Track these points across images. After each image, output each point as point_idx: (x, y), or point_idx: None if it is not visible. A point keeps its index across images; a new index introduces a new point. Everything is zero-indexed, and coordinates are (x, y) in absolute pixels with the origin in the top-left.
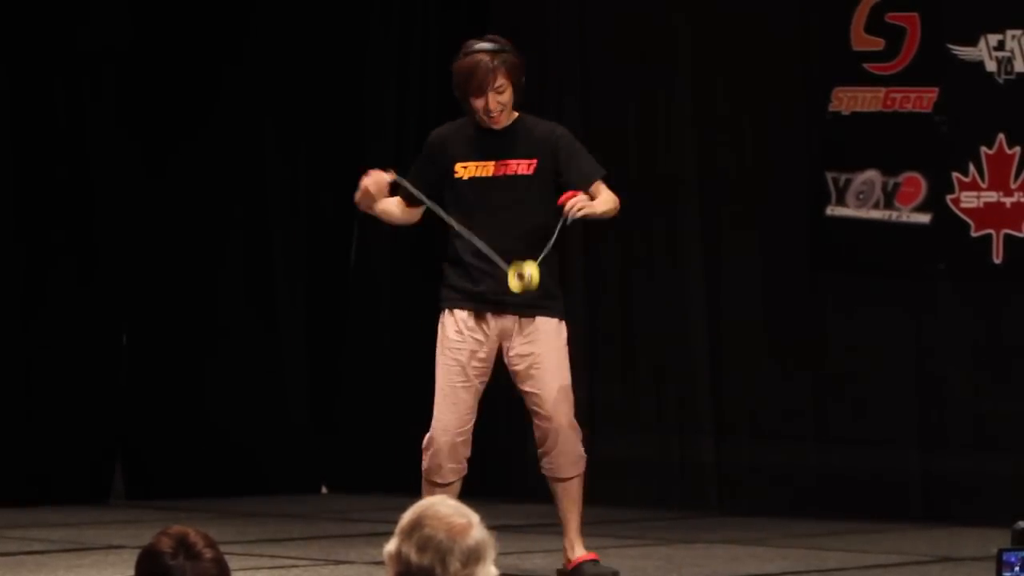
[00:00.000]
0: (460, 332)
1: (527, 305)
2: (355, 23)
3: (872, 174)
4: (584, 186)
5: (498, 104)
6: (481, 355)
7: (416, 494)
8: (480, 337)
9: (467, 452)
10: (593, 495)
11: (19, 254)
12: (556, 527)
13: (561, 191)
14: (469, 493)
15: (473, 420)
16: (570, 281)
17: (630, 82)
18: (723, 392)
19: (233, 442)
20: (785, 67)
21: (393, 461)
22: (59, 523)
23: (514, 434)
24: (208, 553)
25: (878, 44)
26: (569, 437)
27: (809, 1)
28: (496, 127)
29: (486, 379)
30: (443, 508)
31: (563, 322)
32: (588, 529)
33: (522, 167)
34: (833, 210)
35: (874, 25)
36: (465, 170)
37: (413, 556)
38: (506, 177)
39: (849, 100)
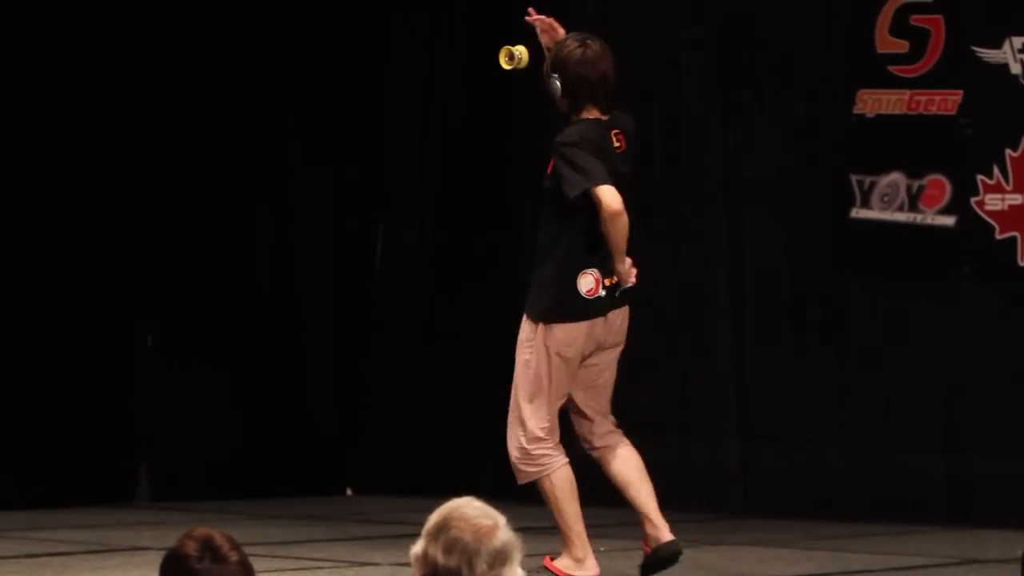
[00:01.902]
0: None
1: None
2: (380, 27)
3: (897, 176)
4: None
5: None
6: None
7: (440, 495)
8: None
9: None
10: (617, 497)
11: (44, 254)
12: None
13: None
14: (495, 495)
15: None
16: None
17: (656, 84)
18: (748, 394)
19: (258, 444)
20: (810, 69)
21: (418, 463)
22: (84, 524)
23: None
24: (233, 555)
25: (902, 46)
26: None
27: (834, 3)
28: None
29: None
30: (469, 510)
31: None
32: (615, 531)
33: None
34: (858, 212)
35: (898, 27)
36: None
37: (440, 558)
38: None
39: (873, 102)
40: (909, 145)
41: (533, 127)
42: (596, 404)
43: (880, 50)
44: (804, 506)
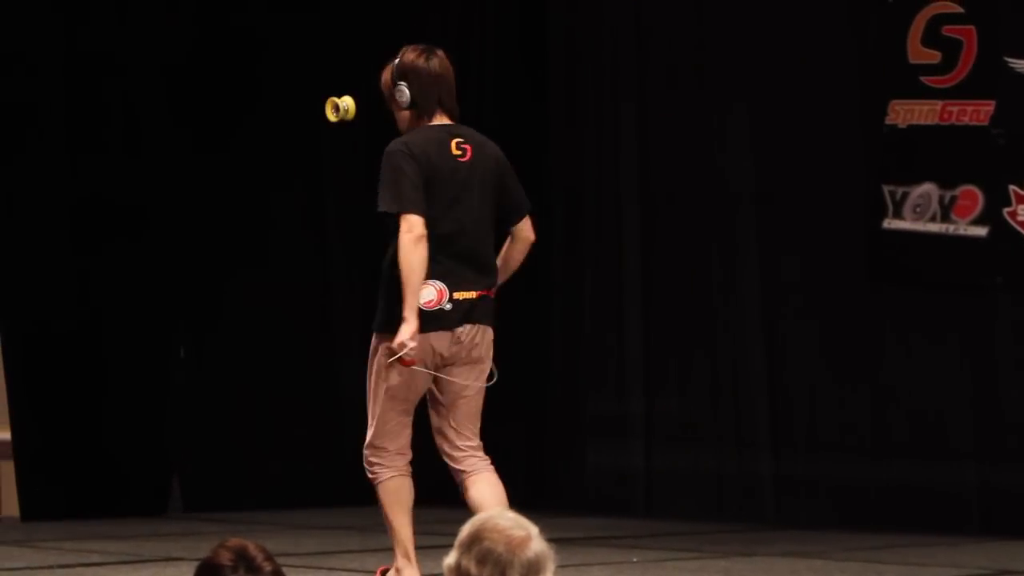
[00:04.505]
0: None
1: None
2: (412, 31)
3: (929, 187)
4: None
5: None
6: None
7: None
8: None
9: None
10: (650, 508)
11: (75, 266)
12: (615, 539)
13: None
14: (528, 506)
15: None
16: (627, 294)
17: (687, 94)
18: (780, 405)
19: (290, 454)
20: (842, 80)
21: (449, 474)
22: (117, 535)
23: (575, 448)
24: (267, 566)
25: (935, 57)
26: None
27: (866, 14)
28: None
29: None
30: (502, 521)
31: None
32: (646, 542)
33: None
34: (890, 223)
35: (931, 38)
36: None
37: (473, 569)
38: None
39: (906, 113)
40: (941, 155)
41: (565, 129)
42: (456, 423)
43: (912, 60)
44: (837, 517)
